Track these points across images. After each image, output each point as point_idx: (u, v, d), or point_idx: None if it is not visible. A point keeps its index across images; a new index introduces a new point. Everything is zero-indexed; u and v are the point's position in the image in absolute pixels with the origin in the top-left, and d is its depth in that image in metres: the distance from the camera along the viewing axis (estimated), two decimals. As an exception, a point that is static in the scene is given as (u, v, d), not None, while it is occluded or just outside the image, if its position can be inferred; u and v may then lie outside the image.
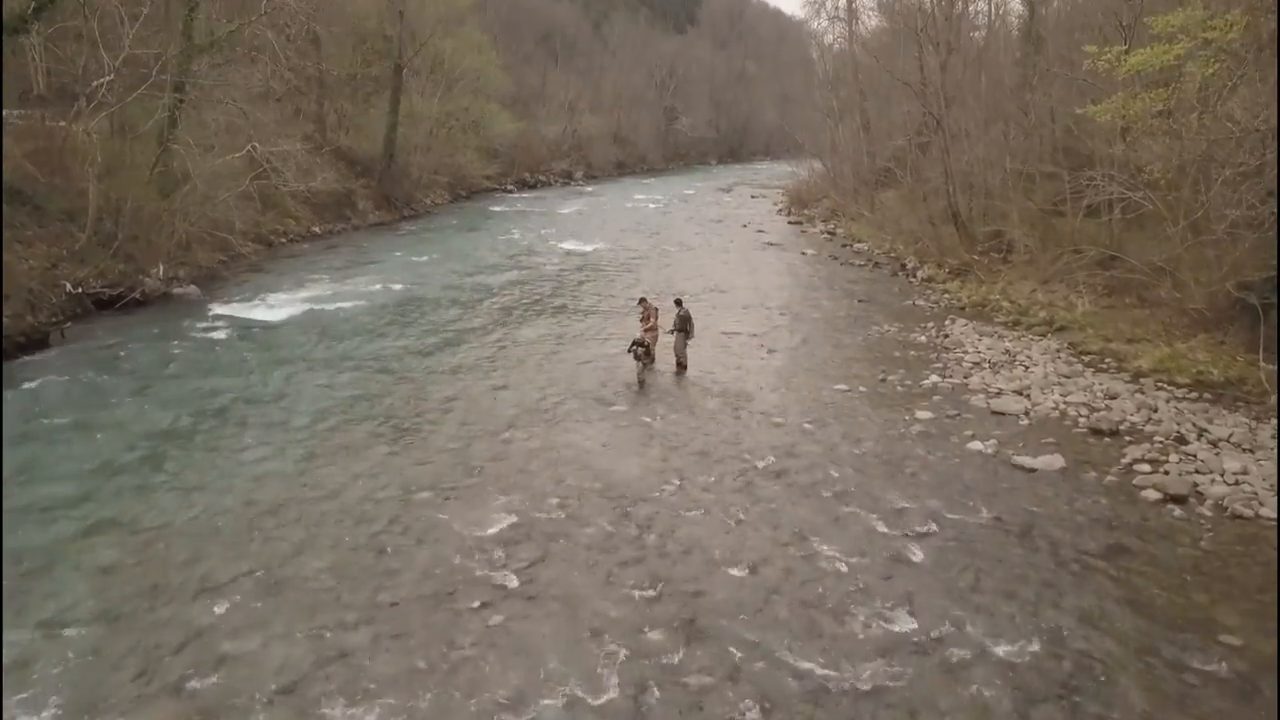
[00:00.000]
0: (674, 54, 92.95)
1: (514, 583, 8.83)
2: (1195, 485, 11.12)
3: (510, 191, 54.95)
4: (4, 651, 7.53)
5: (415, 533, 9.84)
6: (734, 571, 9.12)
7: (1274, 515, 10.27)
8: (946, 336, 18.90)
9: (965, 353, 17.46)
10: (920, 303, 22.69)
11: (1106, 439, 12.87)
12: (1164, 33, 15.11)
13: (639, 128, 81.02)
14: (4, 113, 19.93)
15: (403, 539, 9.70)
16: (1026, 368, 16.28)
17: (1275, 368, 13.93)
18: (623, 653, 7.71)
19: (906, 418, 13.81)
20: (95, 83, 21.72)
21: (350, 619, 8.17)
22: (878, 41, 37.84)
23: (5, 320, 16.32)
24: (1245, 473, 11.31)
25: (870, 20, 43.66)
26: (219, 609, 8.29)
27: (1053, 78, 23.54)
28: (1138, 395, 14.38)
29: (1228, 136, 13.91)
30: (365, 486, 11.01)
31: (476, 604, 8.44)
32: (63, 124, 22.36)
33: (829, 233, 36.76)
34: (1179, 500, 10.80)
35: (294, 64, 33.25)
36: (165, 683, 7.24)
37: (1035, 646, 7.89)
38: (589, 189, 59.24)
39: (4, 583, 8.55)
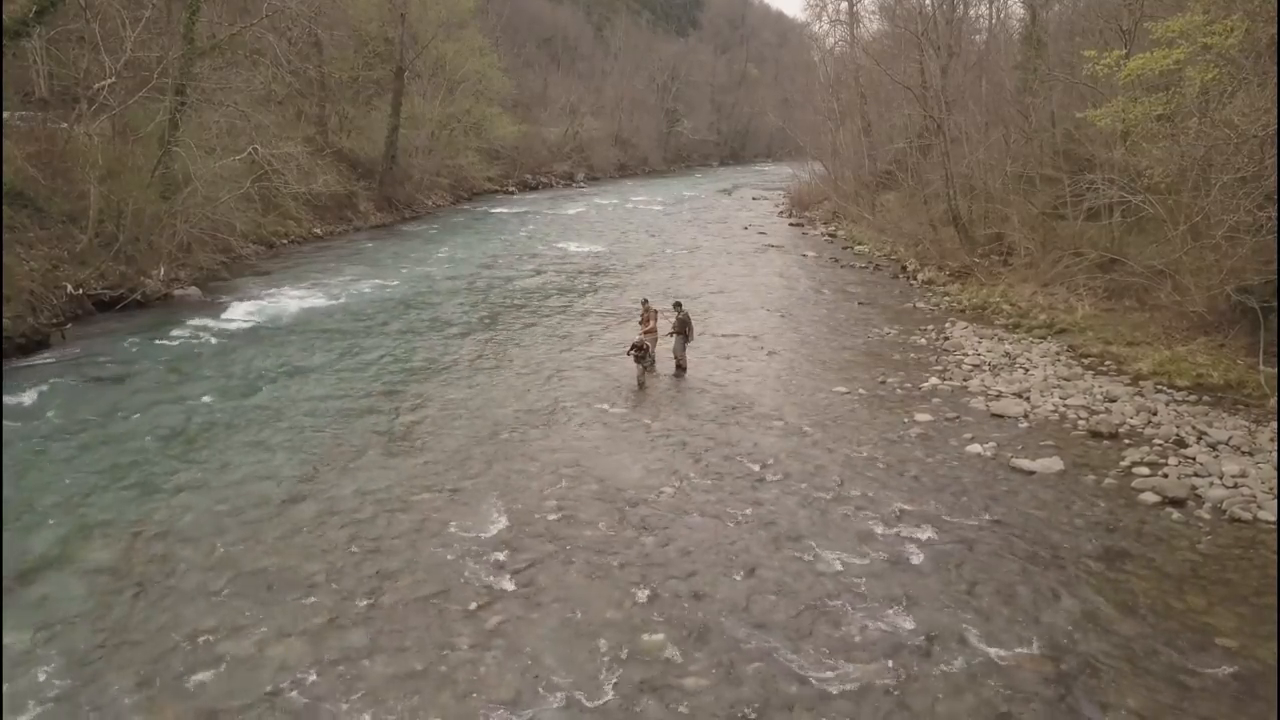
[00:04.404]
0: (676, 57, 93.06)
1: (511, 585, 8.84)
2: (1194, 488, 11.12)
3: (512, 193, 54.97)
4: (3, 652, 7.56)
5: (412, 534, 9.86)
6: (732, 574, 9.13)
7: (1272, 518, 10.27)
8: (946, 339, 18.90)
9: (965, 355, 17.47)
10: (920, 305, 22.69)
11: (1106, 442, 12.87)
12: (1164, 38, 15.09)
13: (641, 130, 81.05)
14: (5, 115, 19.98)
15: (400, 540, 9.71)
16: (1026, 370, 16.28)
17: (1275, 371, 13.93)
18: (620, 655, 7.72)
19: (906, 420, 13.82)
20: (97, 85, 21.82)
21: (347, 620, 8.19)
22: (879, 45, 37.81)
23: (6, 321, 16.37)
24: (1244, 475, 11.31)
25: (871, 24, 43.65)
26: (217, 610, 8.31)
27: (1053, 82, 23.55)
28: (1137, 398, 14.38)
29: (1227, 142, 13.91)
30: (363, 487, 11.02)
31: (474, 606, 8.45)
32: (64, 126, 22.41)
33: (830, 235, 36.77)
34: (1177, 503, 10.80)
35: (295, 67, 33.40)
36: (164, 683, 7.26)
37: (1033, 649, 7.90)
38: (590, 191, 59.24)
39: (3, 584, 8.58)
